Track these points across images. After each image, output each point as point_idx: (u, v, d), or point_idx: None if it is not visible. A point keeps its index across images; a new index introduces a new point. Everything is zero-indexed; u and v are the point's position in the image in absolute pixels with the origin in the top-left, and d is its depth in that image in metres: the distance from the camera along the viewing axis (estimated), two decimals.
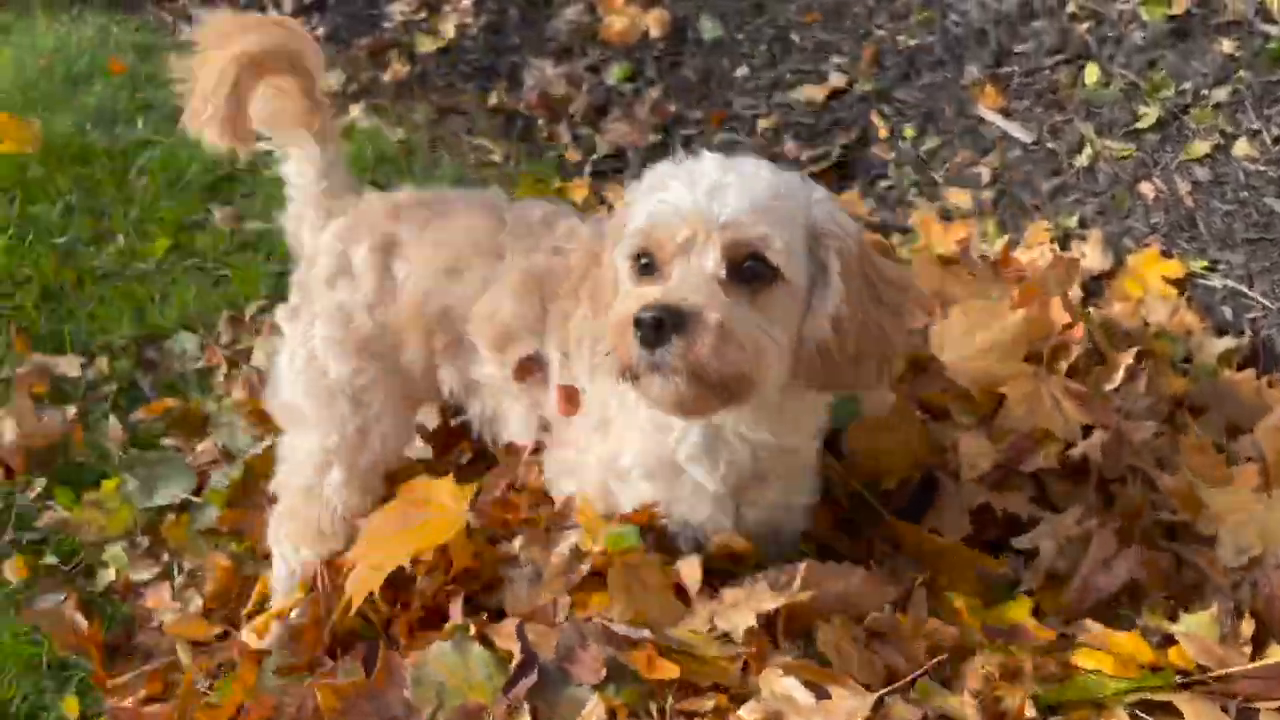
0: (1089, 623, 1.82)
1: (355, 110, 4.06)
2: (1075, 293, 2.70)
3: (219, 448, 2.83)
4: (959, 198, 3.30)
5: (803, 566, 1.69)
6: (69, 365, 3.11)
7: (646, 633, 1.60)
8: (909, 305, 1.57)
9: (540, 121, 3.94)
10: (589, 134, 3.87)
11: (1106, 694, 1.64)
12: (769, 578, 1.68)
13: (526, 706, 1.51)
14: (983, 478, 2.09)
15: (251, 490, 2.54)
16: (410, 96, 4.14)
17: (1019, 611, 1.84)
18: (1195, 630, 1.75)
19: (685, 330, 1.33)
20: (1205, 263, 2.91)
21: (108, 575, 2.57)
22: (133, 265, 3.41)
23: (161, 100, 3.87)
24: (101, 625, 2.39)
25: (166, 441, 2.91)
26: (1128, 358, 2.38)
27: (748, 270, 1.41)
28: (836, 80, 3.72)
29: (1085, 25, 3.39)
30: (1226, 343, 2.74)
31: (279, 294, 2.69)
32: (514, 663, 1.56)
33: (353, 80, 4.21)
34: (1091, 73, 3.31)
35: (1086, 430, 2.18)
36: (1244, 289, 2.83)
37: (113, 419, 2.94)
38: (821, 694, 1.54)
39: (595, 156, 3.77)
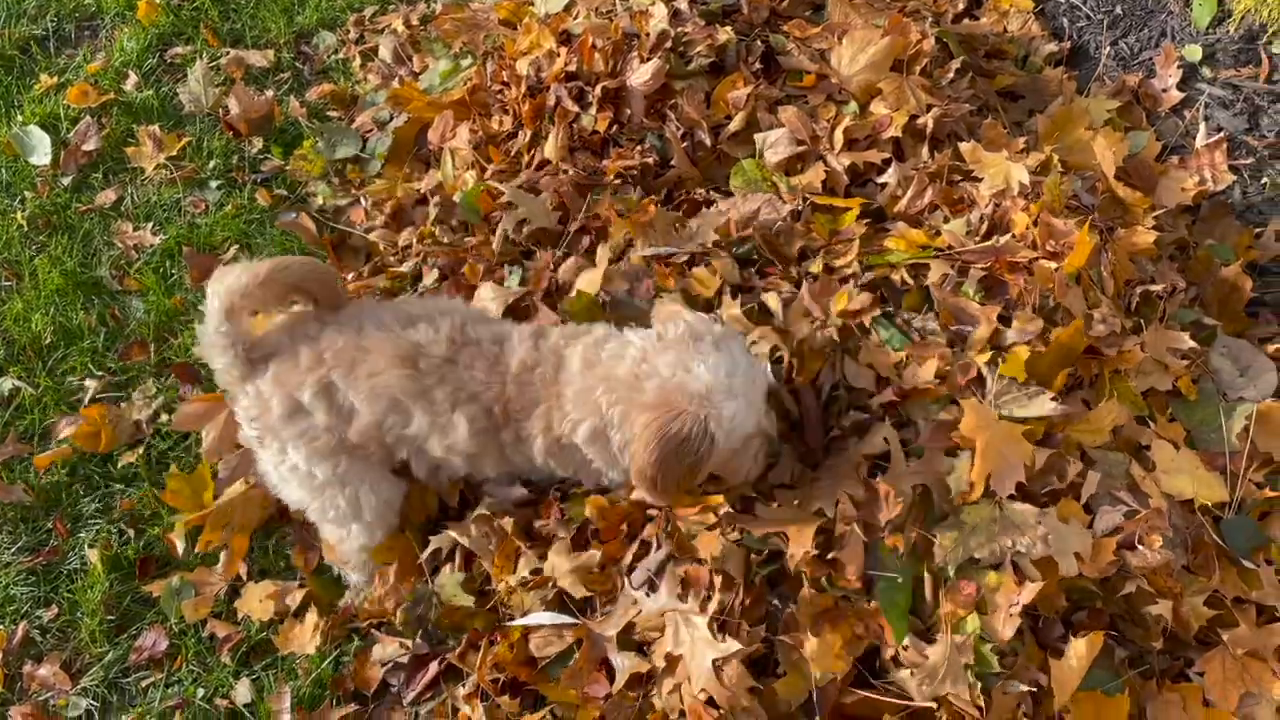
0: (901, 224, 3.06)
1: None
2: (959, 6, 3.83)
3: (373, 120, 3.94)
4: None
5: None
6: (258, 57, 4.30)
7: None
8: None
9: None
10: None
11: (897, 260, 2.89)
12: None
13: None
14: (853, 143, 3.23)
15: (400, 150, 3.77)
16: None
17: (850, 218, 3.05)
18: (954, 229, 2.96)
19: None
20: None
21: (318, 201, 3.76)
22: None
23: None
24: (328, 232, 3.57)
25: (332, 114, 4.07)
26: (956, 63, 3.42)
27: None
28: None
29: None
30: (1053, 47, 3.74)
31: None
32: None
33: None
34: None
35: (929, 108, 3.25)
36: (1079, 4, 3.87)
37: (292, 98, 4.11)
38: None
39: None
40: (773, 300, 2.87)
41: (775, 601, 2.41)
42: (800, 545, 2.36)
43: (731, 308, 2.84)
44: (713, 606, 2.34)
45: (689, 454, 2.27)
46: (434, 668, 2.59)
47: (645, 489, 2.38)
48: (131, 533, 2.96)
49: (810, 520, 2.40)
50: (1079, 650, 2.21)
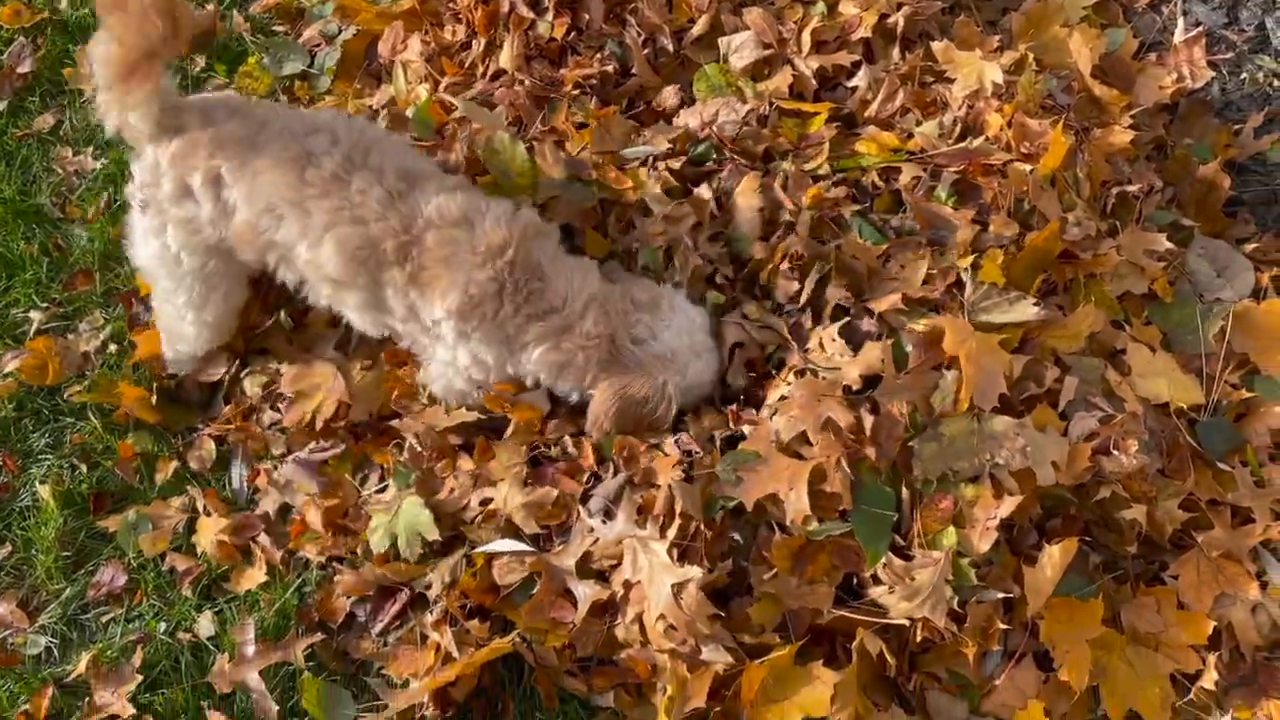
0: (872, 128, 2.94)
1: None
2: None
3: (320, 34, 3.65)
4: None
5: None
6: None
7: None
8: None
9: None
10: None
11: (868, 164, 2.82)
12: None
13: None
14: (822, 45, 3.11)
15: (350, 64, 3.53)
16: None
17: (819, 121, 2.96)
18: (926, 131, 2.87)
19: None
20: None
21: None
22: None
23: None
24: None
25: (278, 28, 3.79)
26: None
27: None
28: None
29: None
30: None
31: None
32: None
33: None
34: None
35: (899, 7, 3.14)
36: None
37: (235, 13, 3.83)
38: None
39: None
40: (704, 191, 2.81)
41: (736, 536, 2.36)
42: (797, 508, 2.26)
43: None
44: (672, 532, 2.29)
45: (648, 414, 2.48)
46: (402, 598, 2.54)
47: (599, 438, 2.51)
48: (84, 467, 2.87)
49: (799, 471, 2.28)
50: (1053, 557, 2.18)
